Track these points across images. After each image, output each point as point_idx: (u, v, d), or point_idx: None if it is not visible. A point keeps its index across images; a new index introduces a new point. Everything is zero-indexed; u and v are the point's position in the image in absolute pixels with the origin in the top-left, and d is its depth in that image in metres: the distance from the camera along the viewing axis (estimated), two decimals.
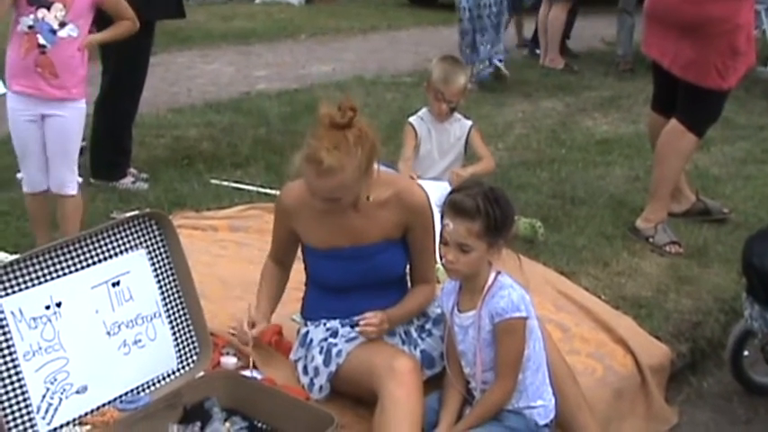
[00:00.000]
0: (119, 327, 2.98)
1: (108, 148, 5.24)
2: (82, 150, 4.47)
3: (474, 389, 3.01)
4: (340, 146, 2.85)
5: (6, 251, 4.15)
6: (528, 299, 2.91)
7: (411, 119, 4.65)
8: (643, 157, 6.02)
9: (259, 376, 3.31)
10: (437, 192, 4.03)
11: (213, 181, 5.39)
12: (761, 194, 5.49)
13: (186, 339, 3.17)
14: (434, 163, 4.63)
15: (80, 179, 4.31)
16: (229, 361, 3.40)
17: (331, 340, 3.16)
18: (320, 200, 3.01)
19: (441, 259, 2.90)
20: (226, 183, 5.38)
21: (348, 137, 2.87)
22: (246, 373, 3.32)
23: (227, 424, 3.01)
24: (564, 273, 4.31)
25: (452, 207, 2.82)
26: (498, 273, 2.95)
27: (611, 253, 4.58)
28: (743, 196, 5.44)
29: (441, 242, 2.88)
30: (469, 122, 4.69)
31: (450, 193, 2.91)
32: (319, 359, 3.16)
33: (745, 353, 3.80)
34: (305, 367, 3.25)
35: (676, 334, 3.96)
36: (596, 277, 4.32)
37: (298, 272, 4.24)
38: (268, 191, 5.26)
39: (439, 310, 3.27)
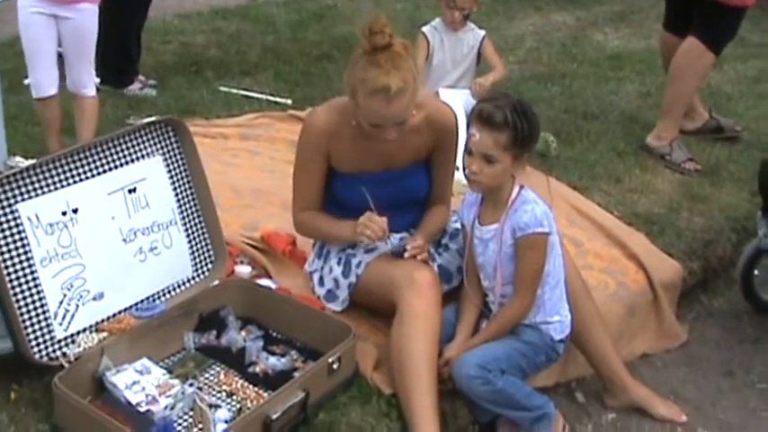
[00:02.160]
0: (135, 234, 2.96)
1: (115, 53, 5.15)
2: None
3: (491, 302, 3.01)
4: (396, 64, 2.78)
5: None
6: (551, 215, 2.89)
7: (424, 28, 4.58)
8: (654, 74, 5.94)
9: (274, 286, 3.31)
10: (459, 101, 4.00)
11: (222, 88, 5.32)
12: None
13: (202, 247, 3.16)
14: (447, 73, 4.59)
15: (97, 80, 4.27)
16: (244, 270, 3.39)
17: (350, 251, 3.14)
18: (382, 129, 2.91)
19: (464, 170, 2.86)
20: (235, 90, 5.31)
21: (398, 52, 2.80)
22: (261, 281, 3.33)
23: (243, 332, 3.02)
24: (576, 188, 4.29)
25: (480, 117, 2.77)
26: (522, 187, 2.91)
27: (623, 169, 4.54)
28: (755, 115, 5.38)
29: (465, 152, 2.84)
30: (482, 32, 4.63)
31: (478, 103, 2.86)
32: (338, 270, 3.14)
33: (755, 272, 3.80)
34: (321, 278, 3.24)
35: (688, 252, 3.95)
36: (608, 193, 4.29)
37: None
38: (278, 99, 5.20)
39: (456, 225, 3.25)
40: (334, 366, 2.78)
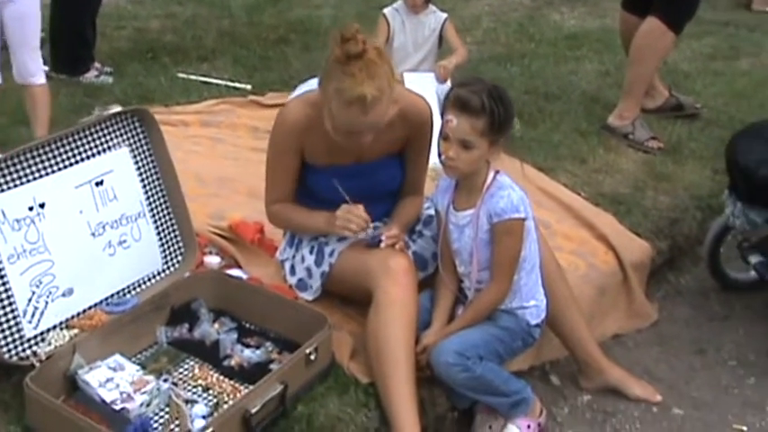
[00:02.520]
0: (103, 227, 2.90)
1: (69, 39, 5.04)
2: (42, 42, 4.28)
3: (467, 288, 2.99)
4: (371, 72, 2.71)
5: None
6: (527, 200, 2.87)
7: (385, 10, 4.55)
8: (612, 53, 5.96)
9: (244, 276, 3.27)
10: (427, 86, 3.98)
11: (180, 75, 5.24)
12: (730, 91, 5.48)
13: (171, 239, 3.10)
14: (409, 56, 4.56)
15: (46, 68, 4.15)
16: (213, 260, 3.34)
17: (322, 239, 3.10)
18: (358, 134, 2.85)
19: (439, 156, 2.83)
20: (193, 77, 5.23)
21: (371, 59, 2.72)
22: (231, 272, 3.28)
23: (216, 325, 2.98)
24: (542, 169, 4.28)
25: (457, 103, 2.74)
26: (497, 172, 2.89)
27: (587, 149, 4.55)
28: (712, 93, 5.42)
29: (441, 138, 2.81)
30: (444, 15, 4.61)
31: (452, 88, 2.82)
32: (310, 259, 3.10)
33: (721, 250, 3.83)
34: (292, 267, 3.20)
35: (655, 231, 3.96)
36: (574, 174, 4.29)
37: None
38: (237, 85, 5.14)
39: (430, 212, 3.22)
40: (312, 357, 2.74)
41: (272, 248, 3.44)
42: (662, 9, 4.50)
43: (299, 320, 2.90)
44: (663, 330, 3.67)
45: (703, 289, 3.93)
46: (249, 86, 5.11)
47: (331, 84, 2.76)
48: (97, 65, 5.20)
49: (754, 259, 3.66)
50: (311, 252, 3.12)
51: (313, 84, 4.44)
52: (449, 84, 4.36)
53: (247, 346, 2.91)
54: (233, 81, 5.17)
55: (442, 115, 2.81)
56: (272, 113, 4.69)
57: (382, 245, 2.93)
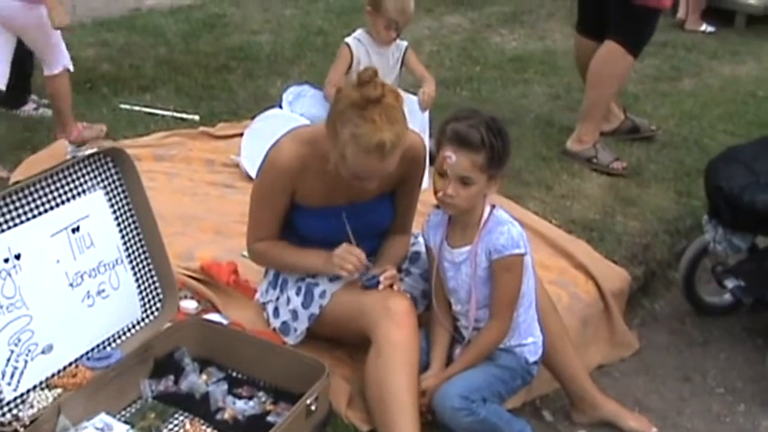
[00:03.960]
0: (81, 277, 2.71)
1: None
2: None
3: (463, 327, 2.89)
4: (390, 118, 2.60)
5: None
6: (525, 235, 2.78)
7: (348, 40, 4.39)
8: (558, 75, 5.97)
9: (225, 321, 3.11)
10: (415, 109, 3.95)
11: (123, 106, 5.02)
12: (679, 111, 5.51)
13: (150, 286, 2.92)
14: None
15: None
16: (189, 305, 3.18)
17: (310, 280, 2.96)
18: (367, 179, 2.75)
19: (435, 193, 2.72)
20: (137, 108, 5.02)
21: (390, 104, 2.61)
22: (210, 316, 3.12)
23: (204, 376, 2.81)
24: (509, 197, 4.19)
25: (455, 138, 2.64)
26: (493, 206, 2.81)
27: (551, 175, 4.50)
28: (663, 114, 5.45)
29: (437, 174, 2.70)
30: (405, 43, 4.50)
31: (449, 122, 2.72)
32: (297, 301, 2.96)
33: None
34: (276, 309, 3.05)
35: (629, 257, 3.93)
36: (542, 201, 4.24)
37: (236, 203, 4.04)
38: (184, 116, 4.95)
39: (416, 248, 3.12)
40: (312, 408, 2.60)
41: (250, 290, 3.28)
42: (620, 32, 4.49)
43: (292, 368, 2.75)
44: (646, 358, 3.61)
45: (678, 314, 3.89)
46: (197, 117, 4.93)
47: (347, 128, 2.63)
48: (34, 97, 4.96)
49: (730, 283, 3.64)
50: (298, 293, 2.97)
51: (273, 116, 4.37)
52: (427, 113, 4.27)
53: (239, 397, 2.75)
54: (179, 112, 4.98)
55: (439, 150, 2.71)
56: (225, 145, 4.60)
57: (380, 286, 2.81)
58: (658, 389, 3.43)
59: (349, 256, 2.81)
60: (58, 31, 4.35)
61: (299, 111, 4.44)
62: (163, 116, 4.93)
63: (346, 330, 2.90)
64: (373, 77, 2.60)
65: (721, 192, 3.39)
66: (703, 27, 7.33)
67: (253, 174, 4.15)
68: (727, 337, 3.75)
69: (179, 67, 5.69)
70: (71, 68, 4.52)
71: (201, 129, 4.72)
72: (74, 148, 4.16)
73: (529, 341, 2.90)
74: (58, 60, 4.46)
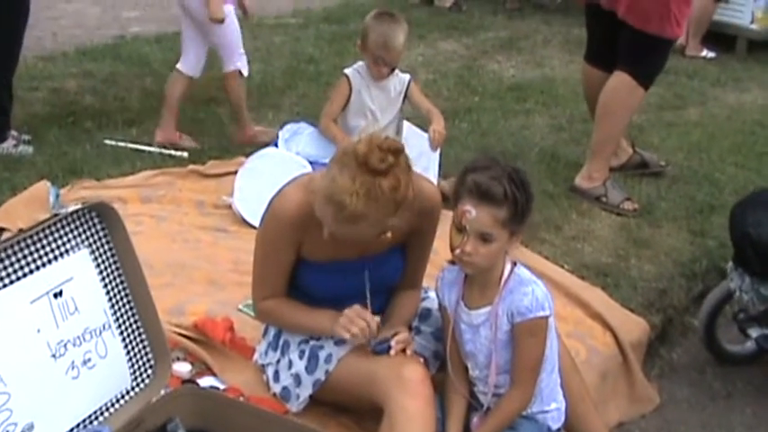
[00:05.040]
0: (65, 346, 2.45)
1: None
2: None
3: (481, 393, 2.67)
4: (370, 193, 2.38)
5: None
6: (550, 295, 2.57)
7: (347, 71, 4.18)
8: (560, 105, 5.78)
9: (221, 385, 2.87)
10: (426, 147, 3.74)
11: (108, 142, 4.77)
12: (687, 143, 5.33)
13: (140, 351, 2.66)
14: (375, 119, 4.23)
15: None
16: (182, 368, 2.93)
17: (314, 343, 2.72)
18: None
19: (453, 250, 2.50)
20: (122, 143, 4.77)
21: (382, 186, 2.39)
22: (205, 380, 2.88)
23: None
24: None
25: (476, 191, 2.42)
26: (514, 264, 2.59)
27: (559, 214, 4.29)
28: (671, 146, 5.26)
29: (455, 229, 2.47)
30: (407, 76, 4.30)
31: (467, 173, 2.49)
32: (300, 365, 2.72)
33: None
34: (276, 373, 2.81)
35: (647, 305, 3.73)
36: (552, 243, 4.03)
37: (230, 250, 3.81)
38: (172, 152, 4.71)
39: (426, 304, 2.90)
40: None
41: (247, 349, 3.05)
42: (630, 63, 4.30)
43: None
44: (667, 415, 3.40)
45: (698, 363, 3.69)
46: (185, 154, 4.69)
47: (335, 168, 2.42)
48: (14, 133, 4.70)
49: (754, 333, 3.45)
50: (301, 357, 2.74)
51: (269, 155, 4.15)
52: (438, 151, 4.07)
53: None
54: (167, 148, 4.74)
55: (458, 204, 2.48)
56: (216, 184, 4.36)
57: (392, 351, 2.57)
58: None
59: (358, 319, 2.58)
60: (235, 31, 4.79)
61: (294, 149, 4.22)
62: (150, 153, 4.69)
63: (354, 398, 2.67)
64: (391, 153, 2.39)
65: (749, 239, 3.20)
66: (704, 53, 7.18)
67: (247, 217, 3.97)
68: (751, 390, 3.54)
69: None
70: (245, 73, 4.87)
71: (191, 167, 4.48)
72: (55, 189, 3.91)
73: (552, 407, 2.68)
74: (231, 60, 4.82)
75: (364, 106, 4.17)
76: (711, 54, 7.19)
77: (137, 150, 4.70)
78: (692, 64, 6.94)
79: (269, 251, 2.69)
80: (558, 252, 3.93)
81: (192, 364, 2.97)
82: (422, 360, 2.67)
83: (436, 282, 2.74)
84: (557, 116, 5.60)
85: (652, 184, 4.72)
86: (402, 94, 4.24)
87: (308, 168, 4.03)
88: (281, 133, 4.29)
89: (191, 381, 2.87)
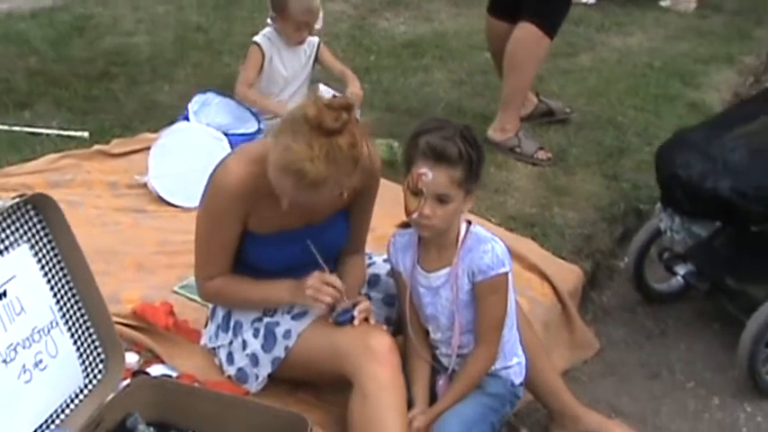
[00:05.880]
0: (15, 350, 2.31)
1: None
2: None
3: (443, 355, 2.66)
4: (329, 155, 2.30)
5: None
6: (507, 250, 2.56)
7: (258, 39, 4.10)
8: (457, 59, 5.79)
9: (174, 373, 2.77)
10: None
11: (1, 127, 4.52)
12: (585, 89, 5.41)
13: (89, 346, 2.54)
14: (288, 84, 4.19)
15: None
16: (130, 359, 2.80)
17: (269, 320, 2.65)
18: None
19: (408, 214, 2.46)
20: (17, 128, 4.52)
21: (340, 145, 2.31)
22: (155, 369, 2.78)
23: None
24: None
25: (431, 153, 2.38)
26: (469, 223, 2.57)
27: None
28: (570, 93, 5.32)
29: (410, 193, 2.43)
30: (316, 39, 4.23)
31: (419, 135, 2.45)
32: (256, 344, 2.65)
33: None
34: (230, 355, 2.73)
35: (576, 251, 3.78)
36: (476, 197, 4.01)
37: (153, 230, 3.68)
38: (71, 133, 4.50)
39: (373, 270, 2.85)
40: None
41: (192, 332, 2.95)
42: (535, 13, 4.31)
43: (264, 424, 2.44)
44: (608, 358, 3.46)
45: (628, 305, 3.77)
46: (86, 134, 4.49)
47: (286, 135, 2.34)
48: None
49: (681, 270, 3.54)
50: (256, 335, 2.66)
51: (181, 129, 4.01)
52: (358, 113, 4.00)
53: None
54: (65, 129, 4.52)
55: (412, 167, 2.44)
56: (125, 164, 4.19)
57: (356, 321, 2.53)
58: (629, 390, 3.28)
59: (324, 286, 2.52)
60: None
61: (204, 120, 4.08)
62: (47, 135, 4.46)
63: (315, 372, 2.62)
64: (343, 111, 2.31)
65: (679, 180, 3.25)
66: None
67: (164, 195, 3.84)
68: (682, 326, 3.64)
69: (54, 78, 5.20)
70: None
71: (96, 147, 4.28)
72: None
73: (514, 362, 2.69)
74: None
75: (277, 73, 4.10)
76: (591, 0, 7.29)
77: (33, 134, 4.47)
78: (574, 11, 6.94)
79: (214, 227, 2.59)
80: (483, 206, 3.93)
81: (138, 353, 2.86)
82: (385, 328, 2.63)
83: (388, 247, 2.70)
84: (455, 70, 5.59)
85: (560, 132, 4.77)
86: (312, 58, 4.18)
87: (223, 140, 3.93)
88: (190, 105, 4.14)
89: (140, 371, 2.75)
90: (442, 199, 2.42)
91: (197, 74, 5.43)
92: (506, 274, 2.52)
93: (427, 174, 2.39)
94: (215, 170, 2.57)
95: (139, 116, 4.78)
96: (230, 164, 2.53)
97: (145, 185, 3.93)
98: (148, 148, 4.13)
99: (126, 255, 3.41)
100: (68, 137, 4.47)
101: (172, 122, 4.17)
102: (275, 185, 2.41)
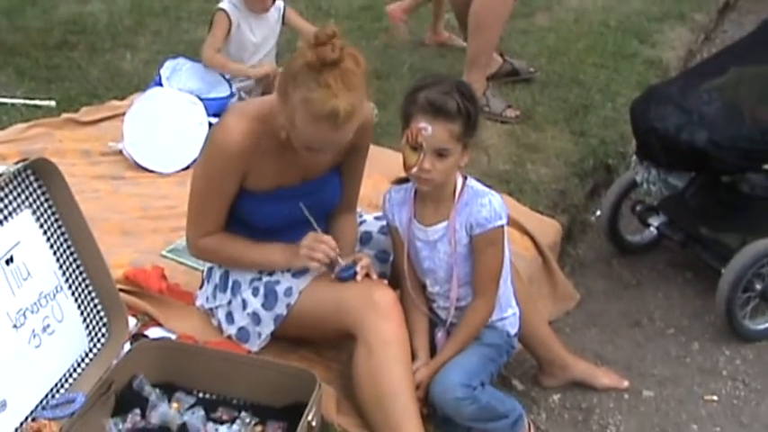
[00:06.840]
0: (24, 315, 2.32)
1: None
2: None
3: (440, 308, 2.71)
4: (347, 81, 2.32)
5: None
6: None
7: (223, 5, 4.07)
8: (416, 20, 5.78)
9: (172, 335, 2.79)
10: None
11: None
12: (546, 48, 5.45)
13: (92, 311, 2.55)
14: (257, 50, 4.17)
15: None
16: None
17: (268, 279, 2.67)
18: (320, 151, 2.50)
19: (407, 169, 2.49)
20: None
21: (349, 68, 2.33)
22: (152, 332, 2.79)
23: (174, 404, 2.49)
24: None
25: (430, 108, 2.41)
26: (466, 177, 2.61)
27: None
28: (531, 53, 5.36)
29: (410, 148, 2.47)
30: (281, 2, 4.21)
31: (418, 90, 2.48)
32: (256, 303, 2.67)
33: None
34: (229, 315, 2.75)
35: (552, 206, 3.85)
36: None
37: (133, 196, 3.67)
38: (38, 102, 4.44)
39: (365, 228, 2.89)
40: (314, 424, 2.35)
41: (186, 295, 2.97)
42: None
43: (271, 381, 2.49)
44: (589, 308, 3.55)
45: (604, 257, 3.86)
46: (53, 103, 4.44)
47: (298, 92, 2.34)
48: None
49: (655, 221, 3.63)
50: (255, 294, 2.68)
51: (154, 95, 3.98)
52: None
53: (219, 422, 2.45)
54: (31, 98, 4.47)
55: (411, 122, 2.47)
56: (96, 131, 4.16)
57: (358, 277, 2.56)
58: (612, 338, 3.38)
59: (317, 244, 2.55)
60: None
61: (176, 86, 4.07)
62: (13, 105, 4.41)
63: (318, 329, 2.66)
64: (332, 38, 2.32)
65: (655, 133, 3.32)
66: None
67: (140, 161, 3.83)
68: (657, 276, 3.74)
69: (13, 47, 5.12)
70: None
71: (65, 116, 4.24)
72: None
73: (509, 313, 2.75)
74: None
75: (246, 40, 4.10)
76: None
77: None
78: None
79: (212, 184, 2.60)
80: None
81: (135, 317, 2.86)
82: (386, 282, 2.67)
83: (383, 203, 2.73)
84: (415, 32, 5.60)
85: (525, 90, 4.83)
86: (279, 22, 4.19)
87: (199, 104, 3.92)
88: (162, 71, 4.12)
89: (139, 334, 2.76)
90: (441, 153, 2.45)
91: (157, 41, 5.38)
92: (503, 226, 2.57)
93: (427, 128, 2.43)
94: (215, 129, 2.58)
95: (104, 84, 4.73)
96: (230, 122, 2.54)
97: (120, 152, 3.90)
98: (118, 116, 4.12)
99: (108, 221, 3.40)
100: (35, 106, 4.42)
101: (139, 89, 4.13)
102: (311, 141, 2.43)
